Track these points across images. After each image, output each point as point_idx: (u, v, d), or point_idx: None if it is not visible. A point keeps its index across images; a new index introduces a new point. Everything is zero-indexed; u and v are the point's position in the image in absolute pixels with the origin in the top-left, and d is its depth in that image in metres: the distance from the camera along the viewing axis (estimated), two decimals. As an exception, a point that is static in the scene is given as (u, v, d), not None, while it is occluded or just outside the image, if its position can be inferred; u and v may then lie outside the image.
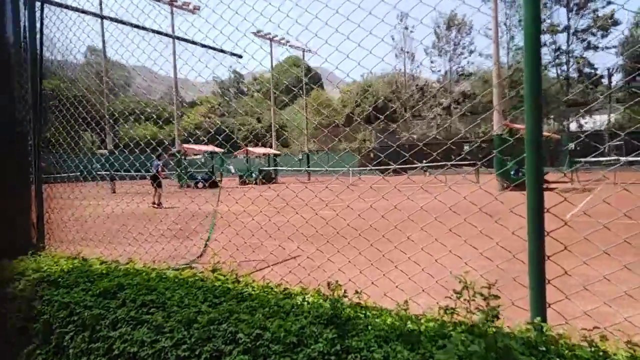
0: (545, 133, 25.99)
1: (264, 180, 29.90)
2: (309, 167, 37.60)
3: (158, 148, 3.78)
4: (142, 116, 6.20)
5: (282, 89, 55.26)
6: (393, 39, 51.87)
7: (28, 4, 3.48)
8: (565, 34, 44.55)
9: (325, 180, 30.04)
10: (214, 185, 22.24)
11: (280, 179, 33.77)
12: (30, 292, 2.27)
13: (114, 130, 27.77)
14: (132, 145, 4.79)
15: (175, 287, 2.10)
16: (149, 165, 14.67)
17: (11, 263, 2.78)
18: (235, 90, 72.98)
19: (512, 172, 18.28)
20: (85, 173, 6.00)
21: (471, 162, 20.14)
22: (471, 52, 51.31)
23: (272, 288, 2.15)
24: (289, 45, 39.68)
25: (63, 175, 5.33)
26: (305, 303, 1.88)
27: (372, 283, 2.35)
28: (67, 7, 3.68)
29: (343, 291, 1.95)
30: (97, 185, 18.20)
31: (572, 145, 22.97)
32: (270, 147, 40.24)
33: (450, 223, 2.31)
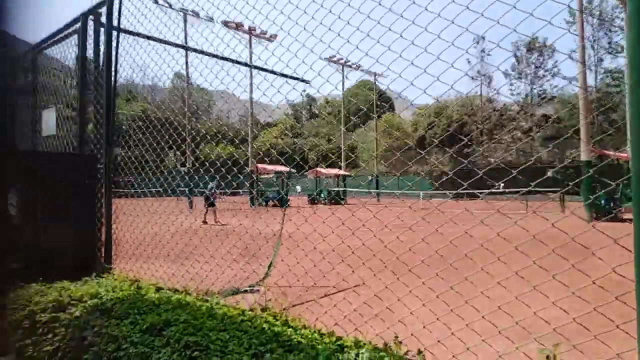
0: None
1: (332, 201, 30.02)
2: (378, 189, 37.24)
3: (233, 168, 3.90)
4: (219, 136, 6.49)
5: (353, 112, 55.83)
6: (469, 62, 50.47)
7: (106, 32, 3.72)
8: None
9: (394, 204, 29.46)
10: (283, 203, 22.75)
11: (348, 200, 33.72)
12: (84, 321, 2.30)
13: (194, 150, 29.57)
14: (208, 165, 5.03)
15: (221, 326, 2.00)
16: (215, 184, 15.72)
17: (70, 287, 2.88)
18: (307, 113, 74.91)
19: (602, 202, 16.70)
20: (167, 188, 6.36)
21: (555, 189, 18.66)
22: (554, 75, 48.47)
23: (323, 336, 1.96)
24: (361, 70, 40.12)
25: (145, 190, 5.70)
26: (359, 360, 1.66)
27: (437, 319, 2.17)
28: (138, 34, 3.93)
29: (404, 351, 1.76)
30: (177, 200, 19.32)
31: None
32: (340, 167, 40.49)
33: (533, 255, 2.07)
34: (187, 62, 23.81)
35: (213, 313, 2.24)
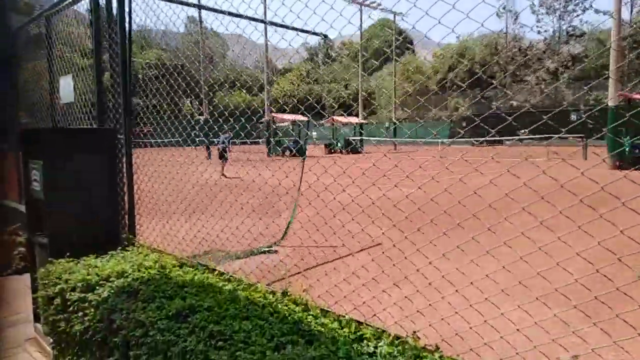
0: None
1: (349, 151, 29.85)
2: (395, 136, 36.79)
3: (252, 117, 3.86)
4: (237, 83, 6.38)
5: (371, 53, 53.99)
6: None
7: None
8: None
9: (412, 151, 29.08)
10: (301, 152, 22.64)
11: (366, 147, 33.52)
12: (111, 303, 2.34)
13: (210, 98, 29.33)
14: (226, 114, 4.98)
15: (244, 314, 2.04)
16: (228, 137, 15.30)
17: (97, 264, 2.89)
18: (324, 56, 72.86)
19: (627, 150, 16.03)
20: (186, 137, 6.36)
21: (579, 135, 18.10)
22: (585, 9, 45.44)
23: (342, 326, 1.99)
24: (380, 9, 38.34)
25: (164, 140, 5.73)
26: (379, 354, 1.70)
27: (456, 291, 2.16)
28: None
29: (422, 344, 1.76)
30: (195, 150, 19.42)
31: None
32: (357, 115, 39.88)
33: (560, 205, 2.01)
34: (200, 5, 23.10)
35: (235, 297, 2.26)
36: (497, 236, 2.31)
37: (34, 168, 3.48)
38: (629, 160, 15.55)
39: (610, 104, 15.84)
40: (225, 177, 15.36)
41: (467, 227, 2.40)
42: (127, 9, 3.68)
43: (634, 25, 38.48)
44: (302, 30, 3.00)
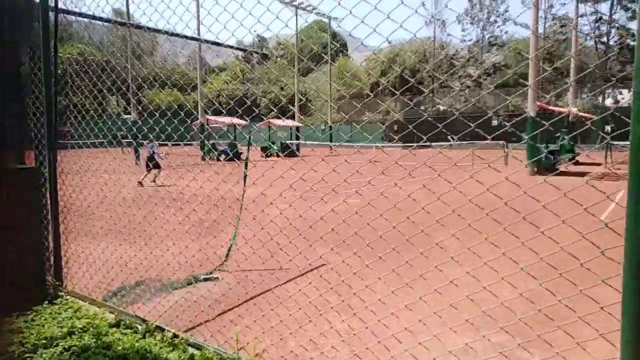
0: (580, 113, 24.89)
1: (286, 154, 29.73)
2: (331, 139, 37.30)
3: (186, 119, 3.64)
4: (167, 82, 6.10)
5: (307, 55, 54.34)
6: (424, 4, 49.95)
7: None
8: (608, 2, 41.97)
9: (347, 153, 29.60)
10: (237, 157, 22.11)
11: (302, 150, 33.61)
12: None
13: (138, 97, 27.86)
14: (157, 114, 4.71)
15: None
16: (155, 145, 14.37)
17: (22, 326, 2.56)
18: (258, 56, 72.11)
19: (544, 157, 17.29)
20: (112, 139, 5.94)
21: (500, 140, 19.47)
22: (505, 20, 49.14)
23: None
24: (315, 13, 38.65)
25: (89, 142, 5.32)
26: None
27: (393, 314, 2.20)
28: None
29: None
30: (122, 153, 18.25)
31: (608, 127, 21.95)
32: (293, 116, 39.93)
33: (488, 219, 2.08)
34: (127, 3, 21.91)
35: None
36: (429, 252, 2.40)
37: None
38: (545, 166, 16.86)
39: (530, 114, 17.13)
40: (155, 184, 14.29)
41: (401, 245, 2.49)
42: (51, 23, 3.40)
43: (546, 38, 42.18)
44: (235, 48, 2.91)
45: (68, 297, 3.33)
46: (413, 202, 2.33)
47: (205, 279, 4.84)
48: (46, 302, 3.02)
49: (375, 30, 2.18)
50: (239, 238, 5.10)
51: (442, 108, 44.22)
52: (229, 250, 5.39)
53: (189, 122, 3.74)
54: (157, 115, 4.53)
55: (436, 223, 2.18)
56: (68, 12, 3.75)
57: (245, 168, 4.80)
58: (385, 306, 2.67)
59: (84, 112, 4.85)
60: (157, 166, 14.98)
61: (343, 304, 2.96)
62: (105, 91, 4.64)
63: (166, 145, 14.74)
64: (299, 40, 46.51)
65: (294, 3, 35.88)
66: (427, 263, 2.48)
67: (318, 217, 2.72)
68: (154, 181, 14.63)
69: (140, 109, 22.60)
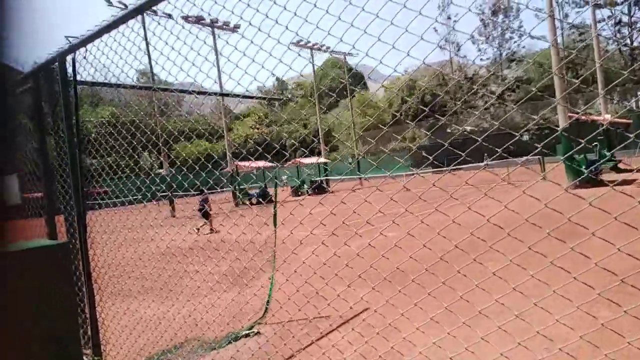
0: (615, 119, 24.04)
1: (316, 191, 29.72)
2: (359, 171, 37.23)
3: (214, 170, 3.65)
4: (192, 134, 6.26)
5: (325, 93, 55.34)
6: (436, 30, 50.50)
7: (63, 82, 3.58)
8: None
9: (376, 184, 29.21)
10: (268, 200, 22.24)
11: (332, 185, 33.58)
12: None
13: (166, 152, 28.76)
14: (185, 164, 4.79)
15: None
16: (201, 182, 14.88)
17: None
18: (280, 98, 73.99)
19: (584, 167, 16.40)
20: (146, 193, 6.06)
21: (534, 155, 18.83)
22: (521, 35, 49.00)
23: None
24: (330, 52, 39.66)
25: (122, 199, 5.43)
26: None
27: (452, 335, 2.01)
28: (94, 84, 3.78)
29: None
30: (158, 206, 18.64)
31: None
32: (319, 153, 40.28)
33: (532, 238, 1.88)
34: (150, 60, 23.08)
35: None
36: (486, 283, 2.17)
37: None
38: (586, 178, 15.94)
39: (562, 124, 16.62)
40: (213, 231, 15.04)
41: (452, 277, 2.24)
42: (71, 94, 3.59)
43: (566, 48, 41.56)
44: (243, 96, 2.93)
45: None
46: (458, 228, 2.13)
47: (247, 335, 4.62)
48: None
49: (381, 62, 2.15)
50: (278, 293, 4.86)
51: (468, 129, 43.71)
52: (268, 301, 5.22)
53: (216, 171, 3.74)
54: (188, 167, 4.60)
55: (489, 249, 1.98)
56: (86, 83, 3.94)
57: (274, 208, 4.66)
58: (442, 350, 2.40)
59: (119, 171, 4.99)
60: (206, 215, 15.49)
61: (392, 351, 2.68)
62: (139, 148, 4.77)
63: (200, 194, 15.10)
64: (317, 79, 47.53)
65: (308, 45, 36.93)
66: (485, 296, 2.18)
67: (354, 254, 2.50)
68: (198, 229, 15.06)
69: (171, 161, 23.30)
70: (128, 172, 5.44)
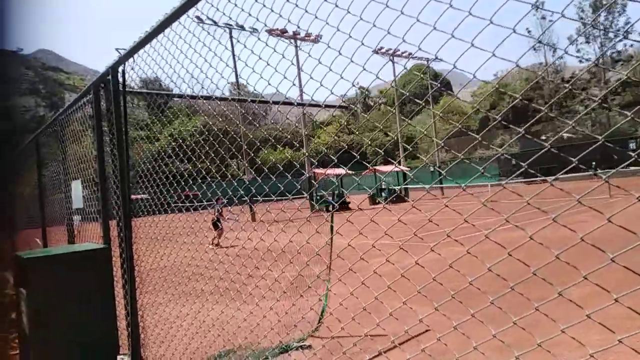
0: None
1: (394, 200, 29.28)
2: (441, 181, 36.02)
3: (288, 176, 3.76)
4: (272, 141, 6.47)
5: (408, 100, 54.54)
6: (529, 31, 47.38)
7: (113, 96, 3.85)
8: None
9: (461, 194, 27.58)
10: (345, 207, 22.20)
11: (411, 194, 32.87)
12: None
13: (250, 158, 30.13)
14: (268, 171, 5.00)
15: None
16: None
17: None
18: (362, 106, 74.19)
19: None
20: (233, 198, 6.39)
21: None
22: (627, 33, 44.23)
23: None
24: (412, 57, 38.97)
25: (204, 203, 5.80)
26: None
27: None
28: (140, 93, 4.04)
29: None
30: (241, 211, 19.28)
31: None
32: (399, 162, 39.65)
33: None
34: (236, 75, 24.40)
35: None
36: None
37: (21, 298, 3.21)
38: None
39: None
40: (220, 246, 14.21)
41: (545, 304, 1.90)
42: (121, 104, 3.85)
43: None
44: (329, 106, 2.97)
45: None
46: (547, 246, 1.88)
47: (297, 348, 4.52)
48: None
49: (474, 76, 2.05)
50: (331, 297, 4.79)
51: (565, 136, 40.26)
52: (322, 313, 5.10)
53: (296, 178, 3.83)
54: (268, 174, 4.80)
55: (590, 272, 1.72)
56: (134, 92, 4.20)
57: (332, 221, 4.51)
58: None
59: (208, 177, 5.34)
60: (216, 225, 14.94)
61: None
62: (226, 155, 5.07)
63: (281, 200, 15.43)
64: (399, 85, 46.96)
65: (389, 52, 36.69)
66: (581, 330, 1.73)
67: (420, 269, 2.19)
68: (214, 243, 14.57)
69: (253, 168, 24.40)
70: (217, 177, 5.81)
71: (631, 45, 44.31)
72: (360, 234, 2.43)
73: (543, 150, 1.66)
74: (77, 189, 4.53)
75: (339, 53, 2.44)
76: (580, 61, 47.28)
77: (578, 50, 46.86)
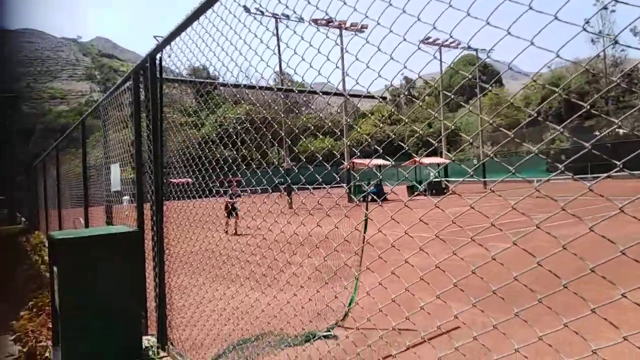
0: None
1: (433, 191, 28.76)
2: (484, 174, 34.93)
3: (325, 163, 3.74)
4: (316, 132, 6.49)
5: (457, 90, 53.00)
6: (587, 22, 44.61)
7: (150, 84, 3.93)
8: None
9: (504, 189, 26.57)
10: (383, 198, 21.96)
11: (452, 188, 32.05)
12: None
13: (289, 146, 30.29)
14: (307, 160, 5.04)
15: None
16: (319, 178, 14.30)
17: None
18: (406, 96, 72.78)
19: None
20: (269, 186, 6.49)
21: None
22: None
23: None
24: (461, 47, 37.75)
25: (246, 189, 5.93)
26: None
27: None
28: (175, 80, 4.20)
29: None
30: (280, 198, 19.33)
31: None
32: (442, 154, 38.81)
33: None
34: (280, 65, 24.59)
35: None
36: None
37: (53, 277, 3.32)
38: None
39: None
40: (236, 234, 13.90)
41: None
42: (157, 91, 3.91)
43: None
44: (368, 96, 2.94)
45: (172, 358, 3.46)
46: (594, 245, 1.76)
47: (323, 337, 4.53)
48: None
49: (519, 73, 1.98)
50: (363, 289, 4.67)
51: (622, 132, 37.86)
52: (350, 303, 5.06)
53: (336, 167, 3.83)
54: (308, 162, 4.83)
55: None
56: (170, 80, 4.30)
57: (366, 210, 4.41)
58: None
59: (252, 164, 5.46)
60: (231, 213, 14.44)
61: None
62: (267, 143, 5.16)
63: (319, 188, 15.42)
64: (445, 77, 45.71)
65: (437, 42, 35.69)
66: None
67: (457, 265, 2.06)
68: (229, 232, 14.14)
69: (292, 157, 24.58)
70: (258, 164, 5.93)
71: None
72: (396, 224, 2.36)
73: (585, 149, 1.57)
74: (115, 172, 4.74)
75: (377, 48, 2.42)
76: (644, 53, 44.09)
77: (642, 42, 43.71)
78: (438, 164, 34.65)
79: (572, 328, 1.63)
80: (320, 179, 3.33)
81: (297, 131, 3.81)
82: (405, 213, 2.38)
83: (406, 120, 2.56)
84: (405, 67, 2.27)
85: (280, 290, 3.41)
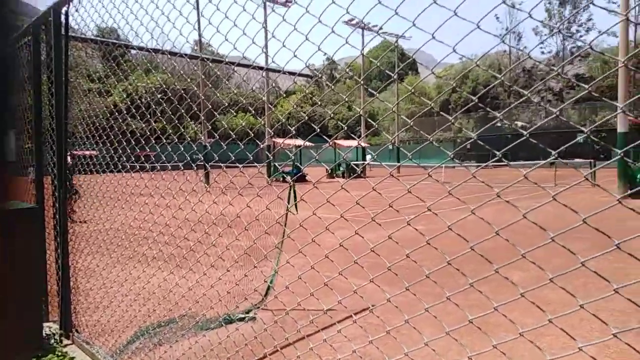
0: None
1: (351, 174, 29.63)
2: (398, 159, 36.67)
3: (257, 141, 3.60)
4: (231, 109, 6.25)
5: (375, 74, 54.52)
6: (497, 18, 48.28)
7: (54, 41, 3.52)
8: None
9: (415, 174, 28.44)
10: (302, 179, 22.31)
11: (369, 171, 33.36)
12: None
13: (212, 121, 29.34)
14: (227, 136, 4.85)
15: None
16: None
17: None
18: (327, 78, 73.49)
19: (638, 177, 15.29)
20: (189, 161, 6.17)
21: (586, 159, 17.89)
22: (588, 29, 45.92)
23: None
24: (382, 33, 38.73)
25: (156, 165, 5.60)
26: None
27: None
28: (85, 40, 3.75)
29: None
30: (196, 175, 18.79)
31: None
32: (359, 137, 39.98)
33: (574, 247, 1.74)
34: (200, 34, 23.38)
35: None
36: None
37: None
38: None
39: (620, 129, 15.63)
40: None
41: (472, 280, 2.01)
42: (63, 50, 3.53)
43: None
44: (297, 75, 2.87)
45: (78, 346, 3.27)
46: (488, 229, 1.94)
47: (241, 319, 4.47)
48: (52, 354, 2.99)
49: (442, 63, 2.03)
50: (284, 269, 4.71)
51: (520, 124, 41.87)
52: (268, 288, 5.07)
53: (256, 144, 3.71)
54: (228, 139, 4.65)
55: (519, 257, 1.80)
56: (78, 38, 3.90)
57: (292, 191, 4.36)
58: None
59: (164, 138, 5.13)
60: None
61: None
62: (184, 116, 4.86)
63: (236, 167, 15.15)
64: (366, 59, 46.73)
65: (359, 25, 36.27)
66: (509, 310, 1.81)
67: (369, 246, 2.20)
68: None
69: (213, 132, 23.77)
70: (173, 138, 5.60)
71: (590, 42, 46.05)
72: (319, 207, 2.39)
73: (469, 141, 1.67)
74: (8, 142, 4.18)
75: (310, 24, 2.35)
76: (542, 52, 48.81)
77: (542, 42, 48.29)
78: (356, 147, 35.67)
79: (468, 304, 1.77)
80: (233, 157, 3.19)
81: (209, 106, 3.60)
82: (321, 195, 2.39)
83: (319, 102, 2.51)
84: (319, 50, 2.23)
85: (204, 274, 3.24)
